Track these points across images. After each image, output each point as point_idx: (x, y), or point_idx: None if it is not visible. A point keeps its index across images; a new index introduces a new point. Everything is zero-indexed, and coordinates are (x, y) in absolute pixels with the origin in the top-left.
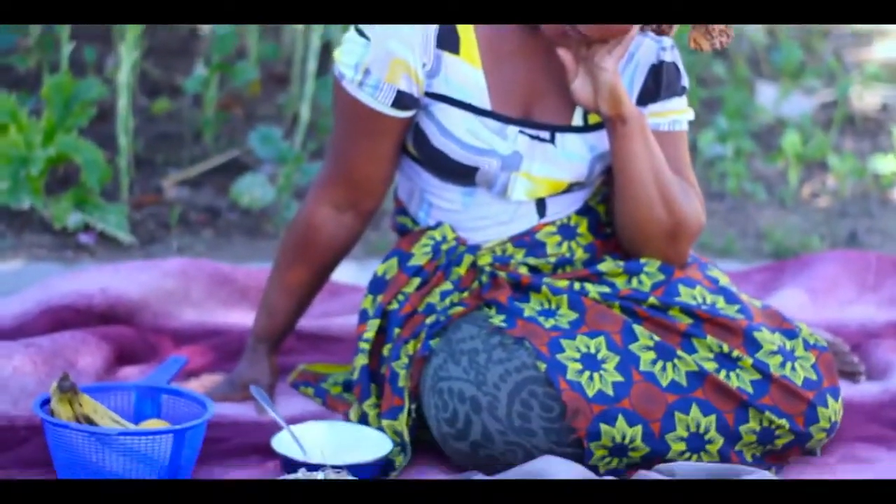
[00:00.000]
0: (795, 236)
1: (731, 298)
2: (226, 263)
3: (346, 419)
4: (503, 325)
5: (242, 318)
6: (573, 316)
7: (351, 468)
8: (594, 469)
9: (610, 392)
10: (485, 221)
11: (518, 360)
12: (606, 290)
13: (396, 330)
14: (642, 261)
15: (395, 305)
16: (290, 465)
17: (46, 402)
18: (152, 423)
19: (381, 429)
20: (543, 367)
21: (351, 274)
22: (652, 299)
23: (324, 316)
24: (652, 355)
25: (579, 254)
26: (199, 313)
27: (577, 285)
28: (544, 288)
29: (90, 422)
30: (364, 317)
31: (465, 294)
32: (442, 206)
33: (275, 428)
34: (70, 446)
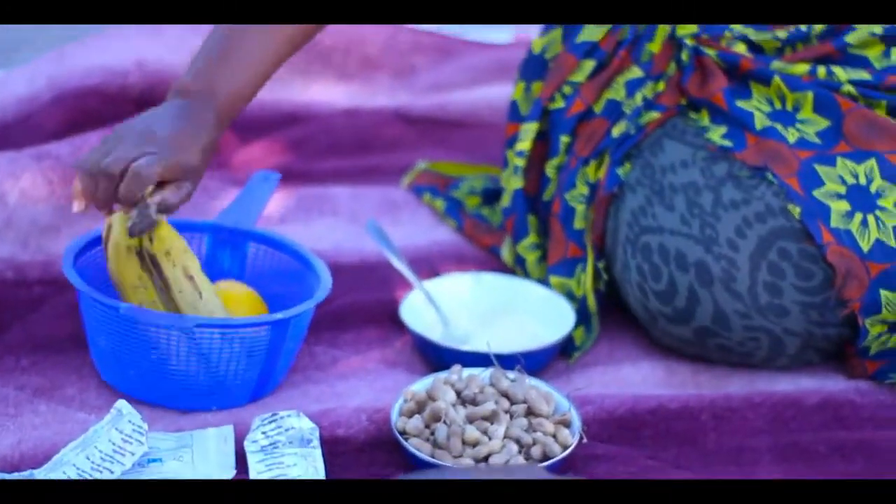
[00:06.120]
0: None
1: None
2: None
3: (494, 255)
4: (728, 143)
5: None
6: (823, 124)
7: (519, 357)
8: (864, 352)
9: (892, 242)
10: None
11: (760, 203)
12: (864, 75)
13: (564, 139)
14: None
15: (559, 103)
16: (430, 348)
17: (84, 250)
18: (230, 289)
19: (544, 282)
20: (797, 211)
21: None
22: None
23: (434, 88)
24: None
25: (818, 27)
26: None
27: (821, 71)
28: (777, 79)
29: (165, 283)
30: (515, 113)
31: (661, 85)
32: None
33: (377, 271)
34: (122, 331)
